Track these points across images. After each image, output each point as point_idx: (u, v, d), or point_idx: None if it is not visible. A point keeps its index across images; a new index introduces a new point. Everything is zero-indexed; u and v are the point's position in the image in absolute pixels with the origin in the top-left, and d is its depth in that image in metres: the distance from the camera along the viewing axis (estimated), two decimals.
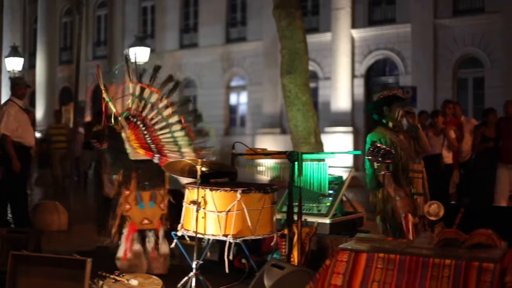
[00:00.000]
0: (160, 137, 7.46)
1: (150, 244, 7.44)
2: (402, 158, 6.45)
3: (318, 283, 5.21)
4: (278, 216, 7.52)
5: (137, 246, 7.47)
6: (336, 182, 8.14)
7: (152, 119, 7.49)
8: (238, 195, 6.17)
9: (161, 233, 7.47)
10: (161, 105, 7.56)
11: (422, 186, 6.53)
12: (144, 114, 7.51)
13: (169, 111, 7.54)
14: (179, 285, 6.31)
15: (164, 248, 7.49)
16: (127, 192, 7.43)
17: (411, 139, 6.65)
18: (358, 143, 25.32)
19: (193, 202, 6.24)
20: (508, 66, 22.52)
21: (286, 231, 6.37)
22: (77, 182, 19.82)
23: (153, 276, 6.68)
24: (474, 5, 23.95)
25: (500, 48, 22.92)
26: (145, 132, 7.43)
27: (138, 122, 7.48)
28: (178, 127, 7.50)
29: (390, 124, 6.56)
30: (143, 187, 7.46)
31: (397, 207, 6.32)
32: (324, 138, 16.73)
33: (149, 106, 7.55)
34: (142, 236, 7.48)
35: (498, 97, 20.22)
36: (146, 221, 7.41)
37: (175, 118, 7.52)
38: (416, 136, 6.67)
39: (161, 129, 7.49)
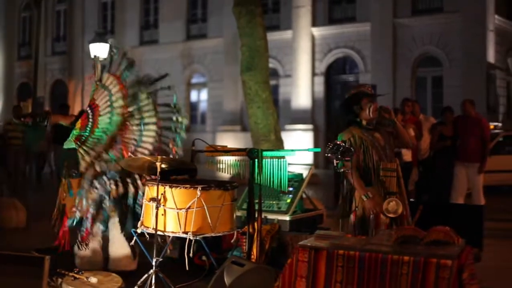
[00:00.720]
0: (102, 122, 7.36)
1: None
2: (373, 157, 6.41)
3: (284, 285, 5.23)
4: (239, 213, 7.52)
5: (94, 243, 7.42)
6: (296, 180, 8.16)
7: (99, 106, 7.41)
8: (198, 192, 6.14)
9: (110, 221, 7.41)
10: (114, 89, 7.48)
11: (397, 184, 6.42)
12: (97, 102, 7.42)
13: (119, 94, 7.44)
14: (139, 282, 6.27)
15: (119, 245, 7.45)
16: (64, 181, 7.41)
17: (390, 135, 6.58)
18: (318, 141, 25.44)
19: (153, 199, 6.20)
20: (466, 65, 22.80)
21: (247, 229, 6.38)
22: (29, 179, 19.57)
23: (113, 274, 6.64)
24: (433, 4, 24.21)
25: (459, 48, 23.19)
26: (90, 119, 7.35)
27: (89, 111, 7.41)
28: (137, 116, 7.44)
29: (364, 122, 6.51)
30: (71, 175, 7.41)
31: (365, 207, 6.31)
32: (285, 135, 16.78)
33: (106, 93, 7.48)
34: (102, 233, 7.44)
35: (456, 96, 20.48)
36: (74, 209, 7.34)
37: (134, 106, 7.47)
38: (395, 132, 6.60)
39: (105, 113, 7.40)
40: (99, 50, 22.74)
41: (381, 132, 6.51)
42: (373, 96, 6.49)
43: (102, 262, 7.49)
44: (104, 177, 7.17)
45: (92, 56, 22.96)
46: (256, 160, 6.31)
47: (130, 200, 7.25)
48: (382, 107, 6.53)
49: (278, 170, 6.62)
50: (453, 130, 11.90)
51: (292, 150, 6.79)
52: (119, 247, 7.49)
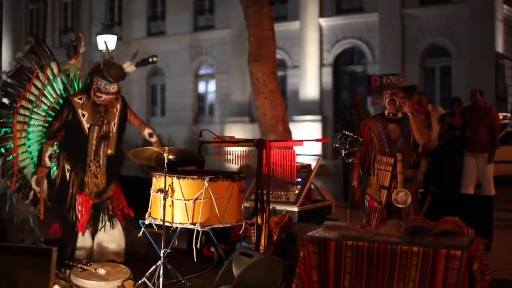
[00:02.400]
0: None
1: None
2: (374, 148, 6.40)
3: (302, 278, 5.23)
4: (247, 204, 7.51)
5: (100, 234, 7.39)
6: (304, 170, 8.14)
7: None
8: (206, 183, 6.12)
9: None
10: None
11: (390, 180, 6.34)
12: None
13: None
14: (147, 274, 6.26)
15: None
16: None
17: (407, 128, 6.41)
18: (326, 132, 25.39)
19: (160, 190, 6.19)
20: (474, 55, 22.70)
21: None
22: None
23: (121, 265, 6.63)
24: None
25: (467, 38, 23.08)
26: None
27: None
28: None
29: (386, 113, 6.49)
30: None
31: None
32: (293, 126, 16.73)
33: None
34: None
35: (465, 86, 20.42)
36: None
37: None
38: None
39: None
40: (107, 42, 22.70)
41: (401, 124, 6.43)
42: (386, 86, 6.45)
43: (110, 254, 7.46)
44: None
45: (100, 48, 22.97)
46: (264, 150, 6.28)
47: None
48: (393, 99, 6.44)
49: (286, 160, 6.60)
50: (462, 120, 11.85)
51: (300, 141, 6.75)
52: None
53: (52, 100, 7.37)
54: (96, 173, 7.16)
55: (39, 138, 7.30)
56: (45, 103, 7.35)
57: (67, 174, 7.12)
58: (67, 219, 7.09)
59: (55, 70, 7.41)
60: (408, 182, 6.24)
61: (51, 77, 7.37)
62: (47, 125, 7.25)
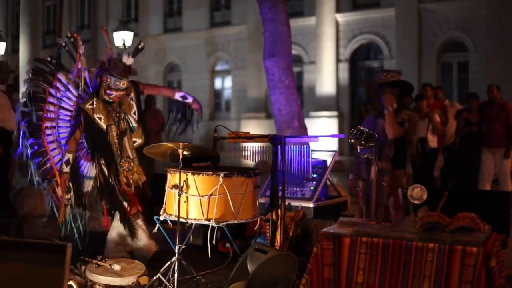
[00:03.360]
0: None
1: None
2: None
3: (312, 274, 5.21)
4: (262, 200, 7.49)
5: (121, 229, 7.42)
6: (320, 166, 8.12)
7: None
8: (220, 179, 6.12)
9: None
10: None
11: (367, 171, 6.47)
12: None
13: None
14: (161, 269, 6.26)
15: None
16: None
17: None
18: (343, 128, 25.30)
19: (175, 186, 6.19)
20: (492, 50, 22.53)
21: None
22: None
23: (136, 261, 6.65)
24: None
25: (484, 33, 22.92)
26: None
27: None
28: None
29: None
30: None
31: None
32: (309, 122, 16.69)
33: None
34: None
35: (482, 82, 20.26)
36: None
37: None
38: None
39: None
40: (124, 38, 22.80)
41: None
42: (382, 84, 6.56)
43: (129, 249, 7.48)
44: None
45: (116, 44, 23.02)
46: (279, 146, 6.27)
47: None
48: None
49: (301, 156, 6.58)
50: (479, 115, 11.79)
51: (315, 136, 6.73)
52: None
53: (72, 104, 7.41)
54: (130, 168, 7.24)
55: None
56: (67, 109, 7.40)
57: (105, 169, 7.21)
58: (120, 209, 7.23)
59: (64, 80, 7.44)
60: (381, 175, 6.34)
61: (62, 88, 7.41)
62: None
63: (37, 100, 7.31)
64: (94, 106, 7.14)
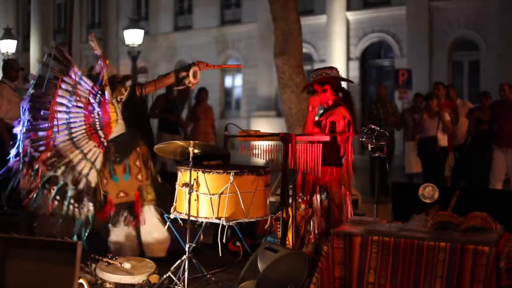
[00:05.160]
0: None
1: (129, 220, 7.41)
2: None
3: (323, 273, 5.19)
4: (273, 198, 7.48)
5: (129, 228, 7.42)
6: None
7: None
8: (231, 178, 6.12)
9: (144, 207, 7.42)
10: None
11: None
12: None
13: None
14: (172, 268, 6.26)
15: (158, 230, 7.45)
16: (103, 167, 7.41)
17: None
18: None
19: (186, 185, 6.19)
20: (503, 49, 22.44)
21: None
22: None
23: (146, 259, 6.67)
24: None
25: (495, 31, 22.83)
26: None
27: None
28: None
29: None
30: (114, 161, 7.42)
31: None
32: None
33: None
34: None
35: (493, 80, 20.19)
36: (122, 194, 7.37)
37: None
38: None
39: None
40: (134, 36, 22.85)
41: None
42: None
43: (138, 248, 7.49)
44: None
45: (127, 43, 23.06)
46: (290, 145, 6.25)
47: None
48: None
49: (312, 155, 6.55)
50: (491, 114, 11.74)
51: (326, 134, 6.70)
52: (153, 232, 7.48)
53: (86, 95, 7.40)
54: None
55: (83, 136, 7.32)
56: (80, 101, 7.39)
57: None
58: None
59: (79, 72, 7.44)
60: None
61: (77, 78, 7.39)
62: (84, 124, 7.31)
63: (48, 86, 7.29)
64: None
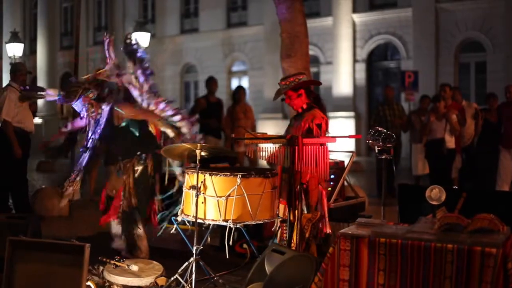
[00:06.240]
0: None
1: None
2: None
3: (327, 275, 5.18)
4: None
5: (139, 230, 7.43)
6: (337, 167, 8.10)
7: None
8: (238, 180, 6.11)
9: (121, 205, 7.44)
10: None
11: None
12: None
13: None
14: (179, 270, 6.27)
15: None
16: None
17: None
18: (360, 128, 25.27)
19: (193, 187, 6.19)
20: (510, 50, 22.43)
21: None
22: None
23: (154, 262, 6.67)
24: None
25: (502, 32, 22.82)
26: None
27: None
28: None
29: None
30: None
31: None
32: None
33: None
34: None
35: (500, 82, 20.17)
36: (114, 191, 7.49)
37: None
38: None
39: None
40: (140, 39, 22.87)
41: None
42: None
43: (147, 249, 7.51)
44: None
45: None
46: (297, 147, 6.26)
47: None
48: None
49: (319, 157, 6.55)
50: (498, 116, 11.74)
51: (333, 137, 6.70)
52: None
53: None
54: None
55: None
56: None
57: None
58: None
59: None
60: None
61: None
62: None
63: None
64: None
